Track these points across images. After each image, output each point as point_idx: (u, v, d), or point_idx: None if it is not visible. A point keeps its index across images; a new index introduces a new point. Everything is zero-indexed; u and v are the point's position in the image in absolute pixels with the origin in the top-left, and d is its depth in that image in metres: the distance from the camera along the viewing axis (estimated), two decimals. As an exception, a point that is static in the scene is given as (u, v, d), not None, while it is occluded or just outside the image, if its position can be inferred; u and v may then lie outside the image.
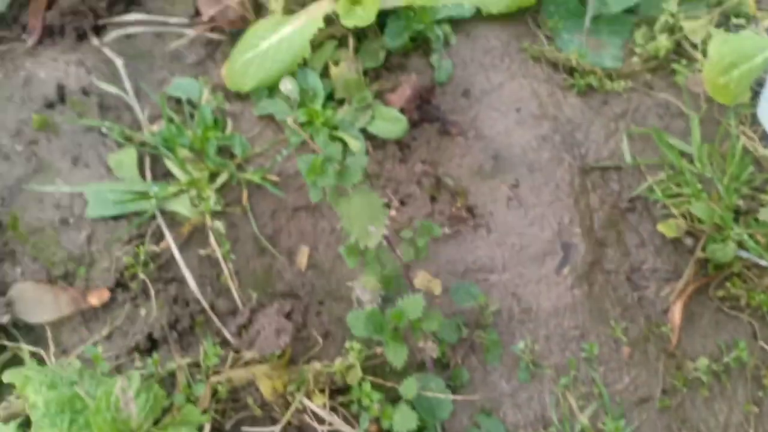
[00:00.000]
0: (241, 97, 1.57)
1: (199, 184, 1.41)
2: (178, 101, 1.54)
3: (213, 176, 1.45)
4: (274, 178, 1.47)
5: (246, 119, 1.54)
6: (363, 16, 1.47)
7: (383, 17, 1.66)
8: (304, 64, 1.55)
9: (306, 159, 1.17)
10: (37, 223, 1.37)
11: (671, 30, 1.76)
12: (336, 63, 1.58)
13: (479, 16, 1.73)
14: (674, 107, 1.70)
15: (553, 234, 1.50)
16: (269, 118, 1.55)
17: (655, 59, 1.75)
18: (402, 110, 1.55)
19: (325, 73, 1.58)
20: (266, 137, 1.53)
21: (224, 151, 1.50)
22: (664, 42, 1.72)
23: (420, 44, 1.69)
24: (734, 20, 1.73)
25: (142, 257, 1.33)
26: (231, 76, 1.54)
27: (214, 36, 1.63)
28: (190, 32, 1.60)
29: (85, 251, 1.35)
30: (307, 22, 1.53)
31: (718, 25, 1.77)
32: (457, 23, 1.72)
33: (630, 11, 1.80)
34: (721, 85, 1.50)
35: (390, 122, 1.52)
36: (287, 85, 1.52)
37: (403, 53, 1.66)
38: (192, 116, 1.51)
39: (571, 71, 1.74)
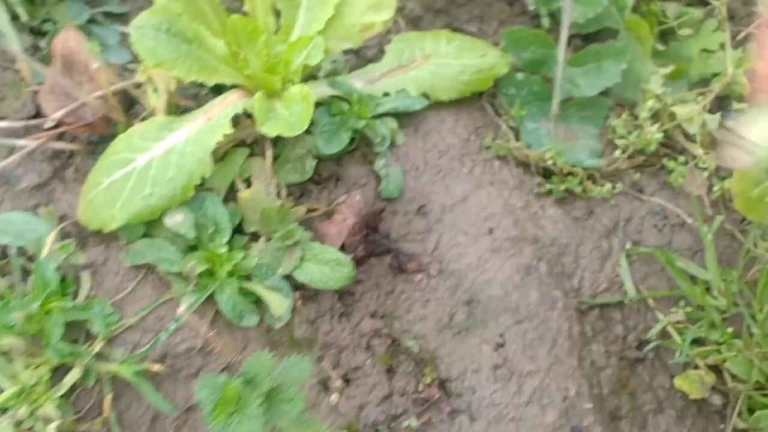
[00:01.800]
0: (103, 236, 1.01)
1: (35, 392, 0.83)
2: (3, 252, 0.96)
3: (56, 373, 0.88)
4: (155, 366, 0.91)
5: (111, 272, 0.98)
6: (292, 122, 0.95)
7: (307, 111, 1.16)
8: (201, 185, 1.01)
9: (211, 384, 0.64)
10: None
11: (656, 116, 1.35)
12: (246, 181, 1.05)
13: (427, 106, 1.25)
14: (673, 215, 1.28)
15: (558, 414, 1.02)
16: (148, 268, 0.99)
17: (642, 154, 1.33)
18: (343, 246, 1.04)
19: (229, 195, 1.05)
20: (143, 298, 0.97)
21: (75, 329, 0.93)
22: (654, 134, 1.29)
23: (357, 146, 1.19)
24: (736, 105, 1.34)
25: None
26: (90, 207, 0.98)
27: (64, 145, 1.05)
28: (28, 142, 1.02)
29: None
30: (208, 126, 0.99)
31: (712, 110, 1.37)
32: (402, 117, 1.23)
33: (604, 92, 1.37)
34: (755, 198, 1.08)
35: (328, 267, 1.00)
36: (176, 218, 0.97)
37: (336, 159, 1.16)
38: (26, 274, 0.93)
39: (545, 172, 1.29)
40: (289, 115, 0.96)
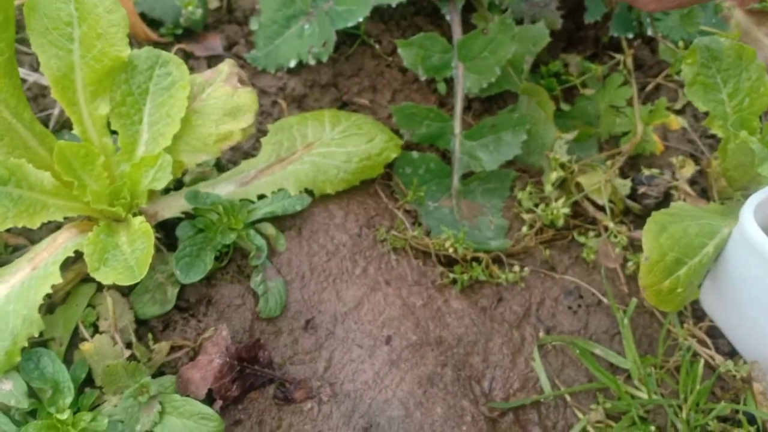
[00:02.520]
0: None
1: None
2: None
3: None
4: None
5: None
6: (131, 266, 0.80)
7: (170, 226, 1.01)
8: (40, 337, 0.86)
9: None
10: None
11: (564, 185, 1.24)
12: (93, 325, 0.90)
13: (312, 202, 1.12)
14: (587, 293, 1.16)
15: None
16: (-20, 446, 0.83)
17: (551, 227, 1.22)
18: (210, 392, 0.89)
19: (76, 341, 0.90)
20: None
21: None
22: (560, 209, 1.18)
23: (231, 259, 1.05)
24: (646, 171, 1.23)
25: None
26: None
27: None
28: None
29: None
30: (33, 278, 0.83)
31: (623, 174, 1.27)
32: (284, 219, 1.09)
33: (508, 162, 1.25)
34: (667, 290, 0.97)
35: (192, 421, 0.85)
36: (5, 387, 0.82)
37: (206, 279, 1.01)
38: None
39: (447, 260, 1.17)
40: (131, 253, 0.82)
